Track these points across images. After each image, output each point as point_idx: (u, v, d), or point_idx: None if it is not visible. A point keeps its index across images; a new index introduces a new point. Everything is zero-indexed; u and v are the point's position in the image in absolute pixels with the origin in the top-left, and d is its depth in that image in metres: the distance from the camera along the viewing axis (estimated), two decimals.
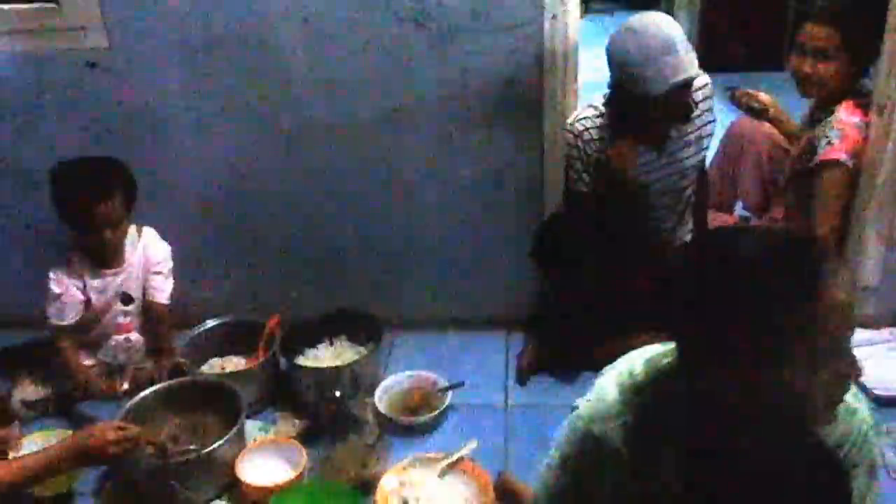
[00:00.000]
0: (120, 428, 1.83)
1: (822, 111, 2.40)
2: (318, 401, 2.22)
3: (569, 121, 2.34)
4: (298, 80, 2.35)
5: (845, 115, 2.30)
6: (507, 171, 2.43)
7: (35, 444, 2.12)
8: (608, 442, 1.17)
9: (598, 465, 1.19)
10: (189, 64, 2.35)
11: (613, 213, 2.31)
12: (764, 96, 2.74)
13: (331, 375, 2.26)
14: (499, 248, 2.56)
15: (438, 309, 2.68)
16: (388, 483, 2.00)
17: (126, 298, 2.43)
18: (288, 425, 2.25)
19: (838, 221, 2.36)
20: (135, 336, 2.47)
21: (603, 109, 2.32)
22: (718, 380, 1.02)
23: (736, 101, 2.78)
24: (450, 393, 2.31)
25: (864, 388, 2.09)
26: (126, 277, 2.42)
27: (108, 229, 2.27)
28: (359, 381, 2.27)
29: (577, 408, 1.25)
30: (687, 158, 2.37)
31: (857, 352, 1.03)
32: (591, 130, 2.31)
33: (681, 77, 2.07)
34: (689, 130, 2.34)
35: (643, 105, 2.15)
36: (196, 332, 2.47)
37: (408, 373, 2.42)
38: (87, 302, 2.39)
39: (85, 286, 2.38)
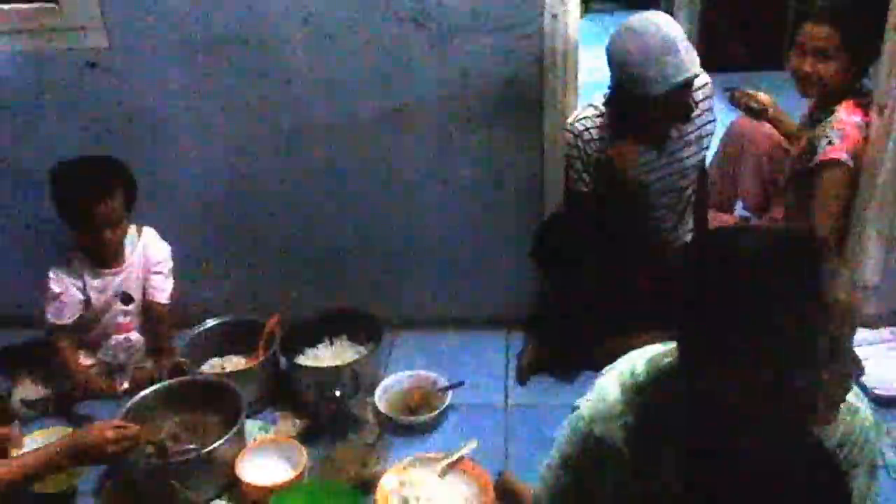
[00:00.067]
0: (119, 427, 1.83)
1: (822, 111, 2.40)
2: (318, 400, 2.22)
3: (569, 120, 2.34)
4: (298, 80, 2.35)
5: (845, 115, 2.30)
6: (507, 171, 2.43)
7: (35, 443, 2.11)
8: (609, 442, 1.17)
9: (599, 464, 1.19)
10: (189, 64, 2.35)
11: (613, 212, 2.31)
12: (763, 96, 2.74)
13: (331, 375, 2.26)
14: (499, 248, 2.56)
15: (438, 309, 2.68)
16: (388, 482, 2.00)
17: (126, 298, 2.43)
18: (288, 425, 2.26)
19: (838, 221, 2.36)
20: (135, 336, 2.47)
21: (603, 109, 2.31)
22: (718, 380, 1.02)
23: (735, 101, 2.77)
24: (450, 392, 2.31)
25: (864, 388, 2.09)
26: (126, 277, 2.42)
27: (108, 229, 2.28)
28: (359, 380, 2.27)
29: (577, 408, 1.25)
30: (687, 158, 2.37)
31: (857, 351, 1.03)
32: (591, 130, 2.31)
33: (681, 77, 2.07)
34: (690, 130, 2.34)
35: (643, 105, 2.15)
36: (196, 331, 2.47)
37: (408, 372, 2.42)
38: (87, 301, 2.39)
39: (85, 286, 2.38)
